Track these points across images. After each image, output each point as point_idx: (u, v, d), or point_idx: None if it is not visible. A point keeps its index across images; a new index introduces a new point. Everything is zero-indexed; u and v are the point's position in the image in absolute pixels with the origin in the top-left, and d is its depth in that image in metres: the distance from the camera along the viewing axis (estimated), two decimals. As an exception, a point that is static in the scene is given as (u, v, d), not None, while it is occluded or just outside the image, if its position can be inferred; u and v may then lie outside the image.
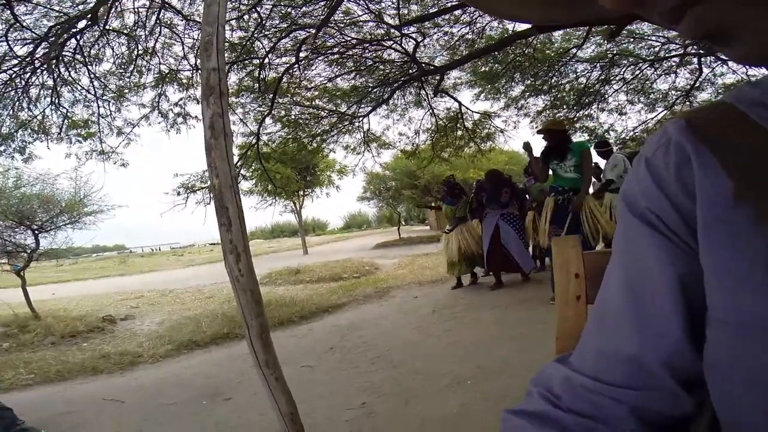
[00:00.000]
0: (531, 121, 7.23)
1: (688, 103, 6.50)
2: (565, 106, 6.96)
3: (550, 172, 3.88)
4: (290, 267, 8.54)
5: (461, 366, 2.61)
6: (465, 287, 5.14)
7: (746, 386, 0.28)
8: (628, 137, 7.33)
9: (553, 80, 6.40)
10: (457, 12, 4.76)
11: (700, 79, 6.25)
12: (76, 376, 3.24)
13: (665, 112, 6.81)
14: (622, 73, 6.30)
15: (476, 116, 7.26)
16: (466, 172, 13.02)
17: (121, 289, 8.30)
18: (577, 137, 7.34)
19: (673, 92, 6.61)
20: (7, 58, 4.16)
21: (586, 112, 7.02)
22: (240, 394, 2.61)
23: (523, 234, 4.83)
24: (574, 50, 5.78)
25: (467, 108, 7.05)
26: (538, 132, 3.97)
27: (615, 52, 5.93)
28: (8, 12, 3.71)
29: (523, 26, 4.96)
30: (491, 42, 5.27)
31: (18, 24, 3.86)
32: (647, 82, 6.46)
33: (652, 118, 6.98)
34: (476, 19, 5.01)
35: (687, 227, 0.31)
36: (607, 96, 6.80)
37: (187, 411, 2.43)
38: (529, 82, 6.50)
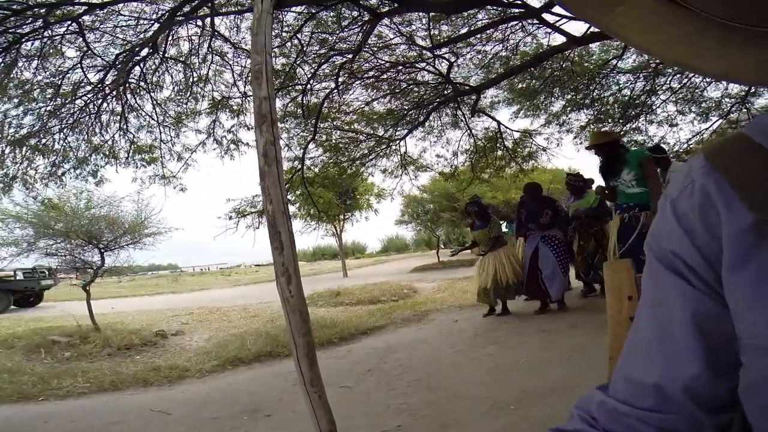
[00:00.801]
0: (575, 137, 6.99)
1: (744, 110, 6.01)
2: (610, 120, 6.66)
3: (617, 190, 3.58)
4: (331, 289, 8.65)
5: (503, 390, 2.49)
6: (502, 315, 4.73)
7: None
8: (682, 150, 6.87)
9: (594, 93, 6.17)
10: (489, 30, 4.78)
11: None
12: (128, 386, 3.42)
13: (721, 121, 6.34)
14: (668, 82, 5.95)
15: (516, 135, 7.12)
16: (507, 192, 12.71)
17: (173, 305, 8.76)
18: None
19: (727, 99, 6.13)
20: (82, 84, 4.57)
21: (634, 125, 6.67)
22: (280, 411, 2.64)
23: (566, 258, 4.52)
24: (614, 61, 5.58)
25: (506, 127, 6.95)
26: (587, 148, 3.72)
27: (658, 61, 5.66)
28: (81, 40, 4.11)
29: (558, 40, 4.90)
30: (526, 58, 5.21)
31: (90, 51, 4.25)
32: (696, 90, 6.06)
33: (707, 128, 6.52)
34: (509, 36, 5.00)
35: (710, 268, 0.34)
36: (654, 107, 6.43)
37: (228, 425, 2.49)
38: (569, 96, 6.32)
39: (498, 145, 7.08)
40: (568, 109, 6.59)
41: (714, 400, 0.34)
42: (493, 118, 6.81)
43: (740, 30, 0.33)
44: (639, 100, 6.23)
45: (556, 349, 3.21)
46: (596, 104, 6.41)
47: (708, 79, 5.87)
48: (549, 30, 4.82)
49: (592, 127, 6.76)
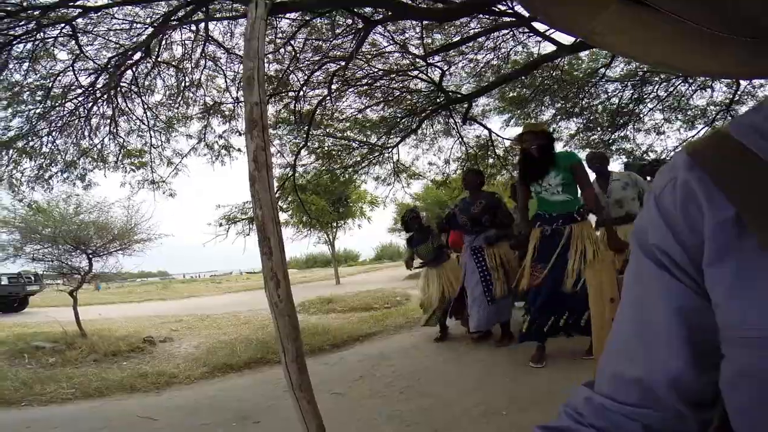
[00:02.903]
0: (564, 145, 7.09)
1: (729, 117, 6.17)
2: (599, 128, 6.79)
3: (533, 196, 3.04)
4: (323, 296, 8.59)
5: (494, 397, 2.49)
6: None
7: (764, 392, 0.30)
8: (669, 158, 7.01)
9: (584, 102, 6.29)
10: (481, 39, 4.85)
11: (738, 93, 5.94)
12: (114, 393, 3.34)
13: (706, 128, 6.50)
14: (655, 90, 6.10)
15: (507, 143, 7.21)
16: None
17: (162, 312, 8.63)
18: (614, 160, 7.05)
19: (712, 107, 6.29)
20: (72, 87, 4.54)
21: (622, 134, 6.81)
22: (269, 418, 2.60)
23: (487, 276, 3.59)
24: (603, 70, 5.69)
25: (497, 135, 7.03)
26: (515, 140, 3.13)
27: (645, 69, 5.77)
28: (73, 42, 4.09)
29: (548, 48, 4.99)
30: (517, 66, 5.30)
31: (82, 54, 4.22)
32: (683, 98, 6.21)
33: (693, 136, 6.67)
34: (500, 44, 5.07)
35: (691, 262, 0.34)
36: (642, 115, 6.57)
37: (216, 432, 2.44)
38: (559, 105, 6.43)
39: (489, 153, 7.15)
40: (558, 117, 6.70)
41: (698, 395, 0.35)
42: (485, 126, 6.89)
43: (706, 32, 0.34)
44: (627, 109, 6.36)
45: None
46: (585, 113, 6.52)
47: (694, 88, 6.03)
48: (539, 39, 4.92)
49: (581, 135, 6.86)
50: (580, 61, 5.83)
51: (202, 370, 3.85)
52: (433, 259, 4.24)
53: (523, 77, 5.46)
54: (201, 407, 2.91)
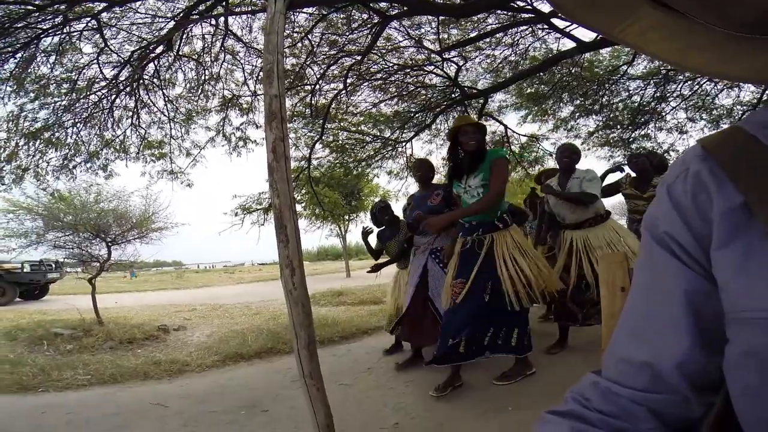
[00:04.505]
0: (582, 143, 6.96)
1: None
2: (618, 126, 6.63)
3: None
4: (333, 289, 8.65)
5: (500, 392, 2.48)
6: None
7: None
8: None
9: (604, 99, 6.15)
10: (499, 34, 4.78)
11: (767, 92, 5.73)
12: (128, 379, 3.43)
13: (732, 129, 6.27)
14: (679, 89, 5.92)
15: (523, 139, 7.11)
16: (513, 197, 12.66)
17: (177, 301, 8.80)
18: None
19: (739, 107, 6.07)
20: (97, 80, 4.66)
21: (643, 132, 6.64)
22: (277, 406, 2.64)
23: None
24: (624, 67, 5.55)
25: (513, 131, 6.95)
26: (448, 135, 2.86)
27: (669, 67, 5.62)
28: (98, 36, 4.19)
29: (568, 45, 4.89)
30: (535, 62, 5.20)
31: (107, 47, 4.34)
32: (707, 97, 6.00)
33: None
34: (518, 40, 4.99)
35: (700, 248, 0.35)
36: (664, 114, 6.39)
37: (225, 419, 2.49)
38: (578, 102, 6.30)
39: (505, 149, 7.06)
40: (577, 114, 6.57)
41: (704, 379, 0.36)
42: (501, 122, 6.81)
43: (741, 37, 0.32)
44: (649, 107, 6.19)
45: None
46: (605, 110, 6.38)
47: (720, 87, 5.83)
48: (559, 35, 4.82)
49: (600, 133, 6.71)
50: (600, 58, 5.70)
51: (214, 358, 3.92)
52: (402, 258, 3.63)
53: (541, 73, 5.36)
54: (211, 395, 2.97)
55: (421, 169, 3.45)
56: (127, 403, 2.90)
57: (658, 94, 5.99)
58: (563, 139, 6.92)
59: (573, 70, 5.50)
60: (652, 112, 6.24)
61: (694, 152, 0.38)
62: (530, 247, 2.72)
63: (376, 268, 3.86)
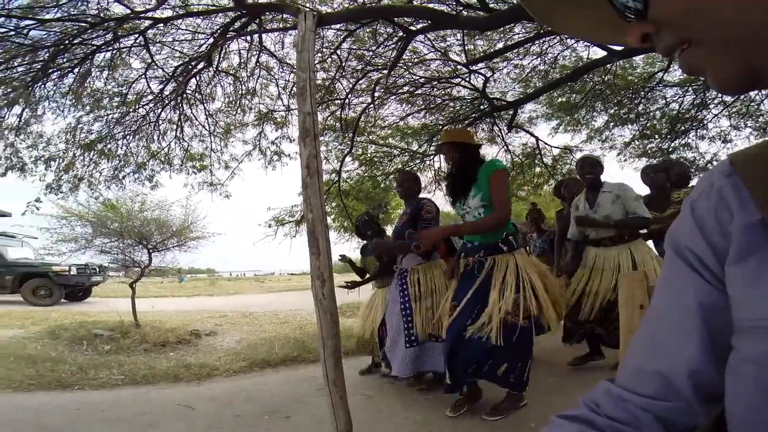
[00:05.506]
0: (618, 154, 6.71)
1: None
2: (656, 136, 6.35)
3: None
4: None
5: (525, 409, 2.39)
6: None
7: None
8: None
9: (639, 107, 5.91)
10: (526, 44, 4.73)
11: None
12: (159, 381, 3.55)
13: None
14: (720, 95, 5.62)
15: (555, 151, 6.93)
16: (546, 211, 12.30)
17: (209, 307, 9.08)
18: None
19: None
20: (144, 94, 4.98)
21: (683, 141, 6.31)
22: (300, 413, 2.66)
23: (408, 308, 2.77)
24: (660, 74, 5.32)
25: (545, 143, 6.78)
26: (437, 150, 2.52)
27: None
28: (145, 51, 4.49)
29: (599, 53, 4.76)
30: (566, 71, 5.10)
31: (153, 63, 4.64)
32: (752, 104, 5.66)
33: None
34: (547, 49, 4.91)
35: (718, 263, 0.36)
36: (706, 122, 6.07)
37: (248, 423, 2.53)
38: (612, 111, 6.09)
39: (536, 161, 6.90)
40: (611, 124, 6.34)
41: (712, 389, 0.36)
42: (531, 134, 6.68)
43: None
44: (689, 115, 5.89)
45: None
46: (641, 119, 6.13)
47: (765, 93, 5.48)
48: (588, 43, 4.72)
49: (637, 143, 6.44)
50: (634, 65, 5.51)
51: (242, 364, 4.01)
52: (381, 273, 3.38)
53: (572, 82, 5.24)
54: (236, 399, 3.03)
55: (404, 184, 3.06)
56: (157, 403, 3.00)
57: (698, 101, 5.70)
58: (598, 151, 6.70)
59: (605, 78, 5.34)
60: (692, 120, 5.94)
61: (721, 168, 0.38)
62: (542, 272, 2.39)
63: (352, 285, 3.61)
